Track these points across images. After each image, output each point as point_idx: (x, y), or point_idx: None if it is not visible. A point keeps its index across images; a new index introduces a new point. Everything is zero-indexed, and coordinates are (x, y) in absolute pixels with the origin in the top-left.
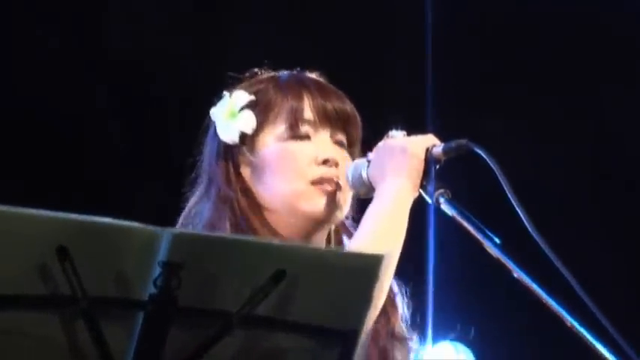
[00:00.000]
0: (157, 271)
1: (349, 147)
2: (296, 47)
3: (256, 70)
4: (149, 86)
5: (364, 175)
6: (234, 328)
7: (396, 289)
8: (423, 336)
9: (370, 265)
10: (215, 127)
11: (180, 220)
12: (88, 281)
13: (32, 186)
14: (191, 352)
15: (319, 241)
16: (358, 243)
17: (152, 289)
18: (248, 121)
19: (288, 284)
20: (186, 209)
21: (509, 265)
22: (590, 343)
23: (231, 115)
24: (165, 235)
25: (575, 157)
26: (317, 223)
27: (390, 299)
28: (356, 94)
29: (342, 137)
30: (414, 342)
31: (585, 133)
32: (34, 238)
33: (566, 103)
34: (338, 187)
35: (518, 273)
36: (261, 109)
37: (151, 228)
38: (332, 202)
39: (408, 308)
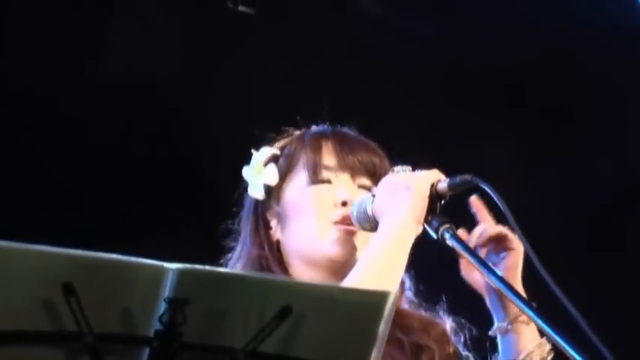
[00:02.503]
0: (163, 307)
1: None
2: (302, 81)
3: (287, 128)
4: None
5: (369, 210)
6: None
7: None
8: None
9: (376, 301)
10: (247, 186)
11: None
12: (94, 317)
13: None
14: None
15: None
16: (356, 278)
17: (158, 325)
18: (271, 174)
19: (295, 320)
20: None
21: (512, 298)
22: None
23: (257, 172)
24: (172, 271)
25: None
26: (338, 266)
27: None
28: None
29: (366, 182)
30: None
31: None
32: (40, 274)
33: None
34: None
35: (519, 305)
36: (284, 161)
37: (156, 264)
38: (352, 244)
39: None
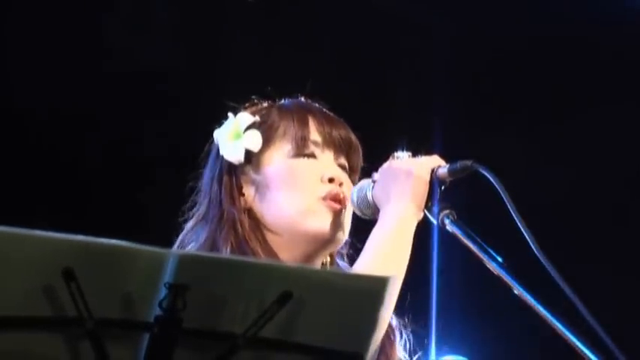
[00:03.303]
0: (163, 292)
1: (350, 173)
2: (301, 70)
3: (254, 98)
4: None
5: (369, 196)
6: (240, 349)
7: (394, 323)
8: (426, 351)
9: (376, 287)
10: (218, 148)
11: (178, 241)
12: (94, 302)
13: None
14: None
15: (317, 265)
16: (363, 265)
17: (158, 311)
18: (254, 140)
19: (295, 306)
20: (185, 230)
21: (511, 283)
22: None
23: (235, 136)
24: (172, 256)
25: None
26: (320, 243)
27: (387, 334)
28: (362, 114)
29: (344, 162)
30: None
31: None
32: (41, 260)
33: (570, 124)
34: (343, 205)
35: (519, 291)
36: (266, 129)
37: (157, 250)
38: (337, 222)
39: (407, 341)
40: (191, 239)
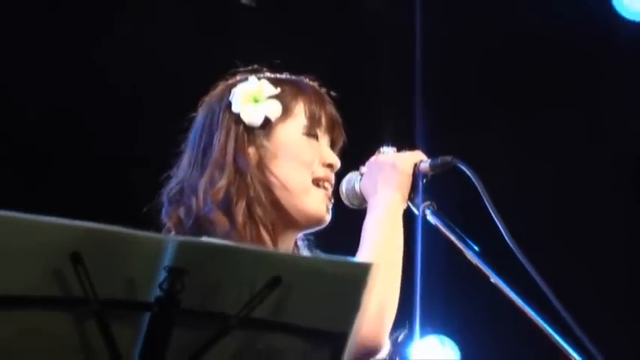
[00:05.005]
0: (163, 275)
1: (333, 149)
2: (290, 58)
3: (255, 66)
4: None
5: (357, 187)
6: (233, 329)
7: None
8: (410, 330)
9: (360, 272)
10: (229, 102)
11: (168, 195)
12: (99, 284)
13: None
14: (193, 351)
15: (292, 242)
16: (367, 252)
17: (158, 292)
18: (275, 109)
19: (284, 290)
20: (174, 184)
21: (487, 271)
22: (558, 342)
23: (254, 100)
24: (171, 242)
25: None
26: (312, 223)
27: None
28: (350, 109)
29: (331, 139)
30: None
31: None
32: (50, 245)
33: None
34: (331, 188)
35: (495, 279)
36: (286, 102)
37: (157, 235)
38: (328, 206)
39: None
40: (189, 194)
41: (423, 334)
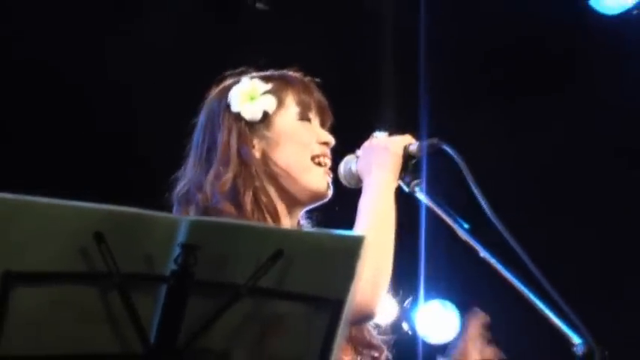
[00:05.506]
0: (177, 251)
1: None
2: (288, 49)
3: (243, 68)
4: None
5: (353, 168)
6: (242, 297)
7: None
8: (415, 295)
9: (354, 244)
10: (227, 104)
11: (177, 196)
12: (121, 260)
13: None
14: (207, 318)
15: (299, 216)
16: (365, 225)
17: (173, 266)
18: (271, 103)
19: (286, 261)
20: (182, 185)
21: (476, 246)
22: (541, 311)
23: (250, 98)
24: (184, 221)
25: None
26: (317, 197)
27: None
28: (345, 96)
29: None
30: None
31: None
32: (76, 225)
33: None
34: (330, 163)
35: (483, 253)
36: (279, 95)
37: (172, 216)
38: (329, 181)
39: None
40: (200, 179)
41: (427, 298)
